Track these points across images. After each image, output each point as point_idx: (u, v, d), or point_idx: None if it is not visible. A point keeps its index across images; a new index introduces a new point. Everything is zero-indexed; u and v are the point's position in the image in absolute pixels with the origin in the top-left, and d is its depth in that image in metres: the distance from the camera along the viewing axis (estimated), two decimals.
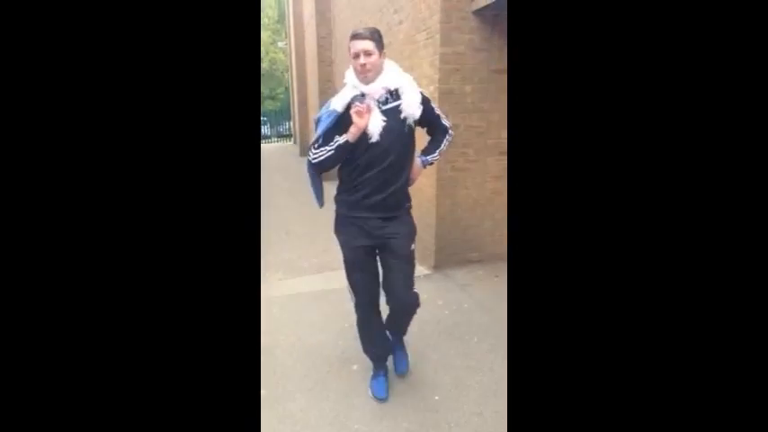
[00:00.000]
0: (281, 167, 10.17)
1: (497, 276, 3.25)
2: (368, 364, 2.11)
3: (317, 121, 1.72)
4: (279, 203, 6.17)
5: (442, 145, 1.85)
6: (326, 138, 1.67)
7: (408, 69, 3.64)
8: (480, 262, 3.51)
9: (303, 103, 11.42)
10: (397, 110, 1.65)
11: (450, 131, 1.87)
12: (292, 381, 2.11)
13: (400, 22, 3.81)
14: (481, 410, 1.87)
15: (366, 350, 2.03)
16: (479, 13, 3.00)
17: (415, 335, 2.50)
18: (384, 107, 1.64)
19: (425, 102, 1.72)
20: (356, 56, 1.57)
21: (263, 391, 2.02)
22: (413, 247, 1.83)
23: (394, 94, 1.66)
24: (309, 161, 1.73)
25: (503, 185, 3.39)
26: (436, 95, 3.14)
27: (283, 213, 5.54)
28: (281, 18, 21.66)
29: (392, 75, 1.64)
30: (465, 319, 2.66)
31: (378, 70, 1.60)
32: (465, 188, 3.36)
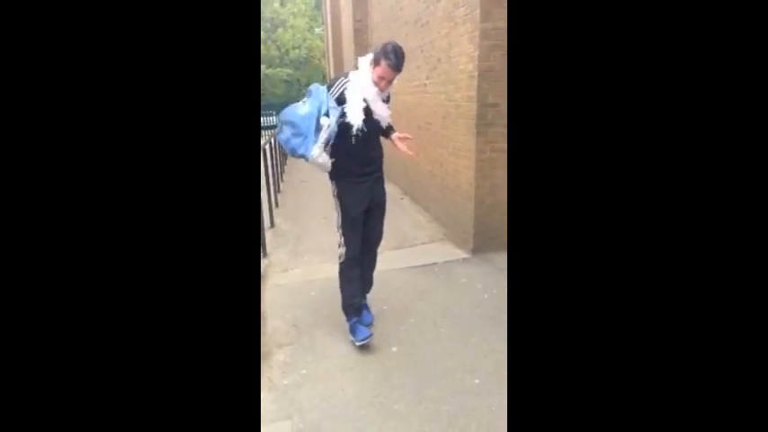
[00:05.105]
0: None
1: None
2: (409, 345, 2.13)
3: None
4: (317, 192, 6.25)
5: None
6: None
7: (446, 48, 3.57)
8: None
9: None
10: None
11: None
12: (332, 360, 2.15)
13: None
14: None
15: (349, 303, 2.30)
16: None
17: (454, 318, 2.48)
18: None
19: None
20: (382, 78, 2.02)
21: (303, 371, 2.07)
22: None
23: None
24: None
25: None
26: (475, 74, 3.04)
27: (321, 201, 5.60)
28: (319, 4, 21.71)
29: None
30: (505, 303, 2.61)
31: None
32: (504, 169, 3.26)
